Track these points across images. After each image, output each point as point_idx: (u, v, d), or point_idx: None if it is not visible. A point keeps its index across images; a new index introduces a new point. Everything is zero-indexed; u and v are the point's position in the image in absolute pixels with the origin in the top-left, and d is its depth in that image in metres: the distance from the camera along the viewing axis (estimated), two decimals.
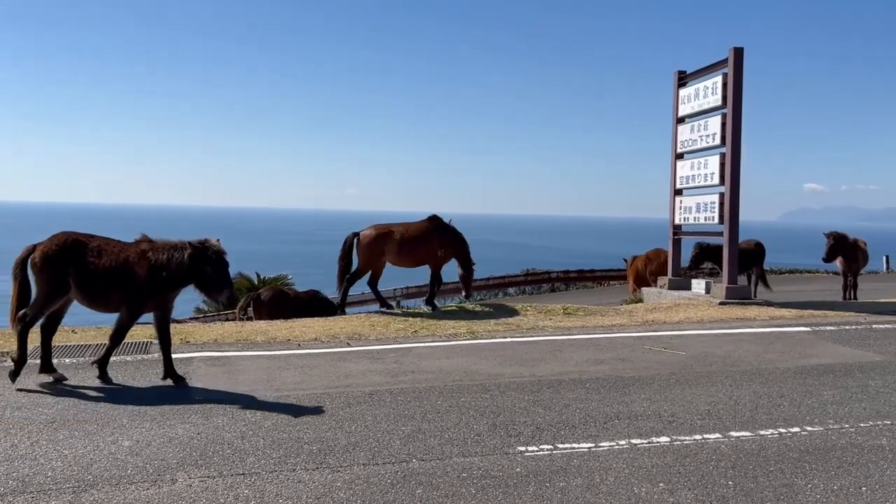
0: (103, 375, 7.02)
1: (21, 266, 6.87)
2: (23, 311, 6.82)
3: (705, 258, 15.95)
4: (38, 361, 7.12)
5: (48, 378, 7.01)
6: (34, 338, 7.15)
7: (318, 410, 6.10)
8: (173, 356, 8.10)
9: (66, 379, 7.04)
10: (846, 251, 15.66)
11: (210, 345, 8.90)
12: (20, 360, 6.86)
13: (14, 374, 6.83)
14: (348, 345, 9.01)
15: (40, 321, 6.98)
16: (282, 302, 14.37)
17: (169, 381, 7.00)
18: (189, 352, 8.40)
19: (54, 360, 7.82)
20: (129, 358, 8.07)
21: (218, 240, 6.94)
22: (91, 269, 6.75)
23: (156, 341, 8.93)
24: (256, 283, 22.83)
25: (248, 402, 6.35)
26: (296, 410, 6.09)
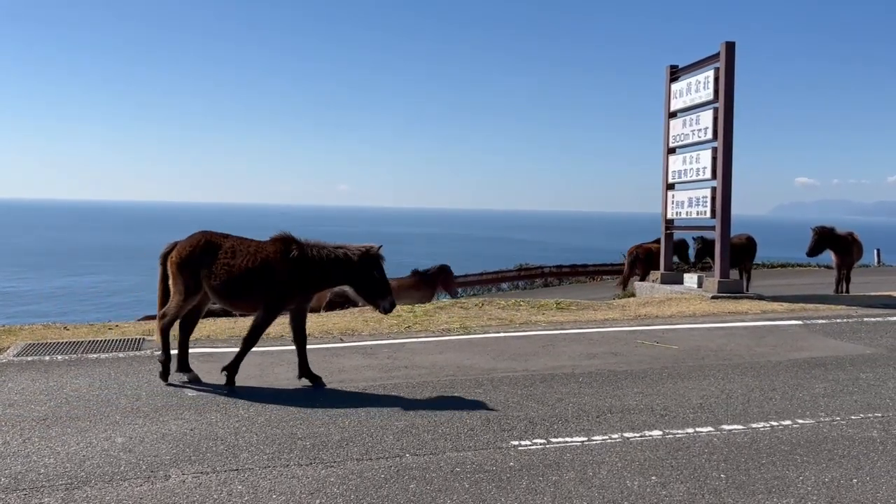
0: (230, 382, 6.76)
1: (162, 262, 6.97)
2: (162, 310, 6.89)
3: (708, 253, 15.92)
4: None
5: (184, 377, 6.94)
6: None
7: (311, 406, 6.10)
8: (171, 351, 8.10)
9: (200, 381, 6.91)
10: (835, 245, 15.68)
11: (203, 341, 8.88)
12: (166, 359, 6.86)
13: (164, 374, 6.85)
14: (341, 340, 9.01)
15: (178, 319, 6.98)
16: None
17: (302, 382, 6.88)
18: None
19: (47, 358, 7.81)
20: (121, 354, 8.04)
21: (381, 246, 6.89)
22: (227, 269, 6.69)
23: (149, 338, 8.94)
24: None
25: (241, 397, 6.35)
26: (289, 406, 6.09)
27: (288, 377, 7.09)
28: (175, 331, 7.03)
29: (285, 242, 6.84)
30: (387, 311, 6.87)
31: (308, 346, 8.50)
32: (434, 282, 14.89)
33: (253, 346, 6.96)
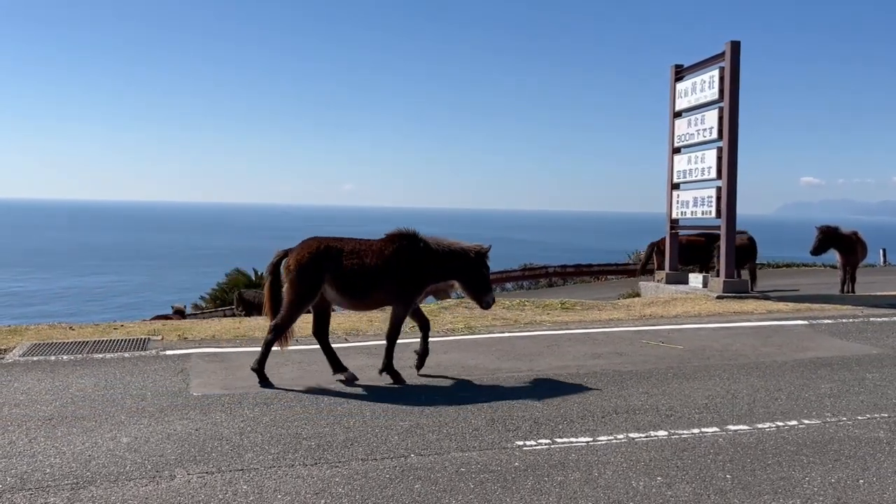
0: (396, 377, 6.97)
1: (273, 270, 7.04)
2: (274, 321, 6.90)
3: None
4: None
5: (342, 377, 7.00)
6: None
7: (316, 406, 6.10)
8: (171, 352, 8.12)
9: (356, 379, 6.99)
10: (840, 244, 15.61)
11: (208, 341, 8.90)
12: (261, 369, 6.85)
13: (264, 382, 6.80)
14: (346, 340, 9.02)
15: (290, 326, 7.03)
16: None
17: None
18: (187, 348, 8.40)
19: (52, 357, 7.84)
20: (127, 354, 8.05)
21: (490, 246, 7.26)
22: (354, 272, 6.82)
23: (154, 338, 8.96)
24: (254, 279, 22.84)
25: (245, 397, 6.36)
26: (294, 406, 6.10)
27: (293, 377, 7.10)
28: (275, 338, 6.96)
29: (409, 239, 7.08)
30: (489, 305, 7.32)
31: (313, 346, 8.52)
32: None
33: (397, 340, 7.15)
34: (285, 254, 6.99)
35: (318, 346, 8.49)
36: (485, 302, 7.26)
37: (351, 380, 6.97)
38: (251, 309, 15.45)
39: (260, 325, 10.22)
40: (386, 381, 6.94)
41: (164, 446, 5.13)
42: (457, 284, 7.37)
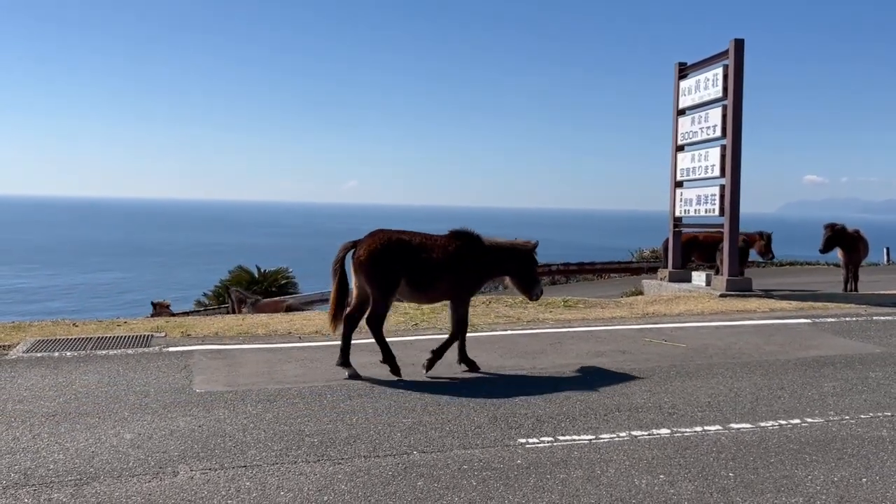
0: (472, 365, 7.35)
1: (340, 264, 7.12)
2: (369, 313, 7.00)
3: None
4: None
5: (345, 372, 7.00)
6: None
7: (318, 403, 6.11)
8: (174, 349, 8.14)
9: (360, 377, 6.99)
10: (846, 243, 15.58)
11: (211, 338, 8.91)
12: (390, 357, 7.02)
13: (395, 371, 6.98)
14: None
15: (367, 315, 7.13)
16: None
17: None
18: (190, 345, 8.41)
19: (56, 354, 7.86)
20: (130, 351, 8.06)
21: (538, 243, 7.69)
22: (425, 264, 7.03)
23: (159, 334, 8.98)
24: (257, 276, 22.84)
25: (249, 394, 6.36)
26: (297, 403, 6.11)
27: (296, 374, 7.10)
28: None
29: (471, 237, 7.38)
30: (538, 297, 7.76)
31: (316, 344, 8.55)
32: None
33: (466, 331, 7.49)
34: (352, 246, 7.08)
35: (321, 344, 8.54)
36: (534, 294, 7.65)
37: (354, 377, 6.97)
38: (240, 306, 15.52)
39: (264, 322, 10.24)
40: (388, 378, 6.94)
41: (168, 443, 5.14)
42: (507, 280, 7.81)
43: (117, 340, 8.63)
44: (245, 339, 8.86)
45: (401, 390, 6.53)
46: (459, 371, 7.27)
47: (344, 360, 7.03)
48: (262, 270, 23.34)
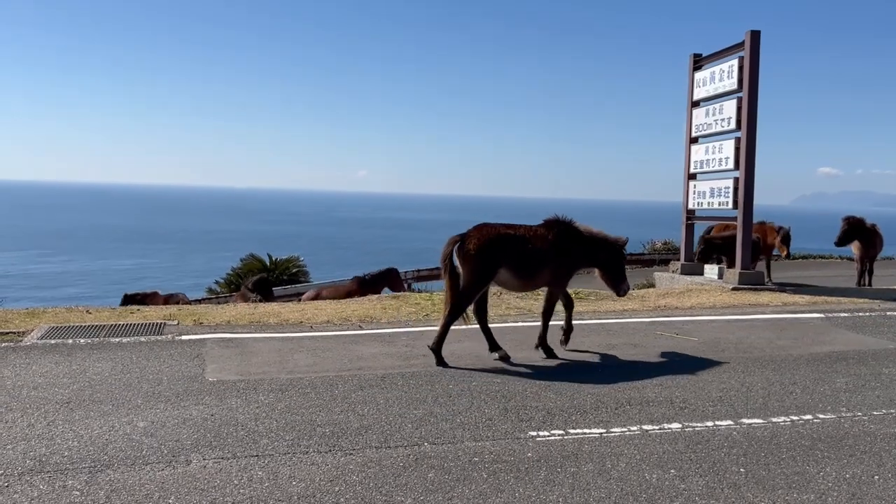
0: (549, 352, 7.66)
1: (450, 259, 7.35)
2: (452, 304, 7.26)
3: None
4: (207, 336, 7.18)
5: (496, 355, 7.44)
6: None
7: (330, 393, 6.14)
8: (187, 337, 8.20)
9: (509, 358, 7.42)
10: (863, 236, 15.44)
11: (223, 326, 8.96)
12: (439, 348, 7.23)
13: (440, 362, 7.15)
14: (360, 328, 9.04)
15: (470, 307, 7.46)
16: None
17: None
18: (202, 333, 8.46)
19: (70, 341, 7.92)
20: (143, 339, 8.12)
21: (627, 239, 8.12)
22: (529, 254, 7.41)
23: (171, 322, 9.04)
24: (268, 264, 22.92)
25: (261, 384, 6.40)
26: (308, 393, 6.13)
27: (307, 364, 7.13)
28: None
29: (567, 226, 7.78)
30: (625, 293, 8.19)
31: (327, 333, 8.59)
32: (378, 285, 15.14)
33: (551, 317, 7.84)
34: (460, 239, 7.30)
35: (332, 334, 8.59)
36: (622, 290, 8.06)
37: (505, 358, 7.38)
38: (266, 295, 15.52)
39: (275, 311, 10.28)
40: (399, 370, 6.97)
41: (181, 431, 5.18)
42: (597, 271, 8.13)
43: (130, 328, 8.69)
44: (257, 328, 8.90)
45: (412, 381, 6.54)
46: (470, 363, 7.27)
47: (492, 346, 7.49)
48: (274, 259, 23.42)
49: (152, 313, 10.06)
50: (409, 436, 5.14)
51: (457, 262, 7.33)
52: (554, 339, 7.87)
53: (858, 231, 15.31)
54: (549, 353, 7.63)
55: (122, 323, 9.06)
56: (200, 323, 9.15)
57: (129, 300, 14.94)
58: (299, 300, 13.93)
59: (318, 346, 7.92)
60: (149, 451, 4.78)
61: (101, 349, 7.61)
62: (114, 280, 48.58)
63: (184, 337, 8.23)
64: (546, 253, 7.48)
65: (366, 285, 15.04)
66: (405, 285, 14.90)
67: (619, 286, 8.00)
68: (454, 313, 7.28)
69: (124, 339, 8.07)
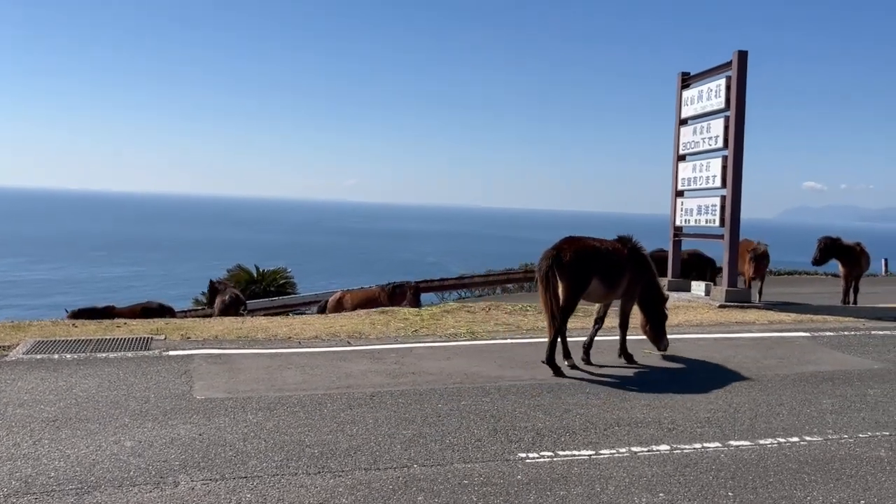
0: (630, 358, 8.38)
1: (548, 272, 7.80)
2: (560, 316, 7.77)
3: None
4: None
5: (564, 362, 7.90)
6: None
7: (319, 412, 6.12)
8: (174, 353, 8.16)
9: (577, 367, 7.93)
10: (843, 255, 15.60)
11: (211, 341, 8.91)
12: (566, 355, 7.97)
13: (558, 372, 7.65)
14: (349, 343, 9.03)
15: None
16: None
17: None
18: (190, 348, 8.41)
19: (55, 356, 7.87)
20: (130, 354, 8.07)
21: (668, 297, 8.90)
22: (614, 268, 8.13)
23: (157, 337, 8.99)
24: (256, 276, 22.85)
25: (249, 402, 6.37)
26: (297, 412, 6.11)
27: (296, 381, 7.10)
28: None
29: (634, 243, 8.58)
30: (665, 317, 8.88)
31: (315, 349, 8.58)
32: (399, 297, 15.03)
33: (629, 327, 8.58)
34: (555, 253, 7.83)
35: (320, 350, 8.59)
36: (662, 312, 8.79)
37: (573, 367, 7.88)
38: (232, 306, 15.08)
39: (263, 325, 10.25)
40: (388, 388, 6.95)
41: (168, 451, 5.15)
42: (639, 289, 8.59)
43: (117, 343, 8.64)
44: (245, 344, 8.86)
45: (401, 400, 6.54)
46: (459, 381, 7.26)
47: (565, 354, 7.97)
48: (261, 270, 23.35)
49: (139, 327, 10.01)
50: (398, 457, 5.14)
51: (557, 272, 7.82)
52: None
53: (836, 251, 15.45)
54: (630, 360, 8.35)
55: (108, 337, 9.00)
56: (188, 338, 9.11)
57: (78, 317, 13.24)
58: (290, 314, 13.90)
59: (306, 362, 7.90)
60: (136, 472, 4.75)
61: (88, 365, 7.55)
62: (102, 289, 48.23)
63: (171, 352, 8.18)
64: (624, 267, 8.23)
65: (392, 296, 14.84)
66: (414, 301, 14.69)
67: (659, 305, 8.77)
68: (563, 322, 7.83)
69: (111, 355, 8.02)
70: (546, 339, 7.89)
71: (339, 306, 14.64)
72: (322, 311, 15.15)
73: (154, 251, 79.98)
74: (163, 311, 14.19)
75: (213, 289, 16.31)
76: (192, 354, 8.11)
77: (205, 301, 22.65)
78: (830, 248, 15.40)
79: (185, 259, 71.01)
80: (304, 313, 17.69)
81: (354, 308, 13.95)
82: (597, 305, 8.72)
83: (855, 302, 15.69)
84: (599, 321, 8.63)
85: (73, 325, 9.99)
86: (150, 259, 71.40)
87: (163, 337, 9.08)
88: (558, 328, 7.77)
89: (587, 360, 8.15)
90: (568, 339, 8.10)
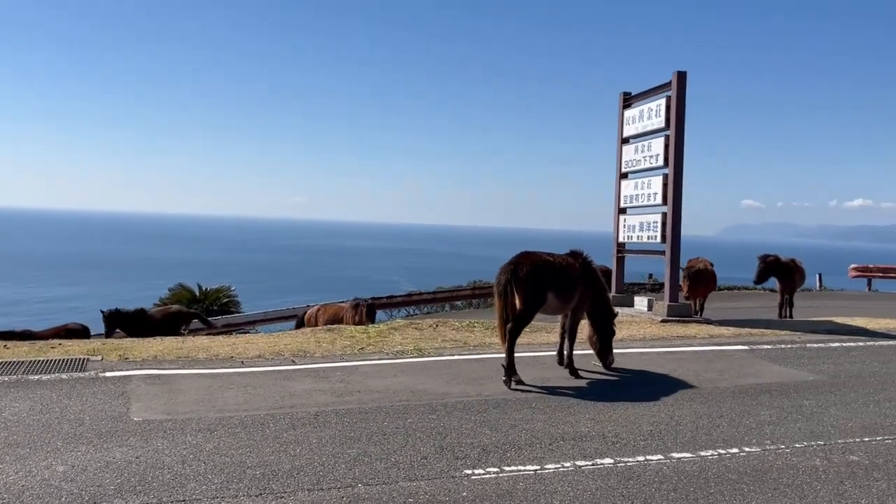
0: (575, 372, 8.45)
1: (506, 286, 7.97)
2: (513, 325, 7.93)
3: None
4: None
5: (511, 382, 7.82)
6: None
7: (261, 433, 5.99)
8: (111, 374, 7.93)
9: (523, 382, 7.89)
10: (779, 272, 16.06)
11: (150, 362, 8.67)
12: (511, 365, 7.87)
13: (509, 381, 7.78)
14: (293, 362, 8.89)
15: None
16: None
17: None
18: (128, 369, 8.17)
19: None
20: (64, 376, 7.79)
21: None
22: (569, 282, 8.29)
23: (94, 358, 8.71)
24: (198, 294, 22.38)
25: (189, 423, 6.20)
26: (238, 433, 5.98)
27: (238, 402, 6.95)
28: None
29: (585, 257, 8.79)
30: (614, 332, 8.99)
31: (258, 369, 8.42)
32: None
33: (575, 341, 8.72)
34: (513, 267, 7.99)
35: (263, 369, 8.44)
36: (613, 324, 8.96)
37: (519, 383, 7.82)
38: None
39: (205, 345, 10.02)
40: (333, 406, 6.86)
41: (103, 475, 4.97)
42: (588, 304, 8.75)
43: (51, 364, 8.34)
44: (185, 364, 8.65)
45: (346, 419, 6.45)
46: (405, 399, 7.21)
47: (510, 370, 7.84)
48: (204, 289, 22.88)
49: (75, 348, 9.68)
50: (342, 477, 5.06)
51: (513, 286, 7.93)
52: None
53: (775, 268, 15.89)
54: (576, 374, 8.42)
55: (41, 359, 8.68)
56: (126, 358, 8.84)
57: None
58: (233, 333, 13.64)
59: (248, 382, 7.74)
60: (68, 498, 4.58)
61: (19, 387, 7.27)
62: (37, 311, 46.55)
63: (108, 374, 7.93)
64: (577, 280, 8.41)
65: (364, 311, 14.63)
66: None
67: (611, 319, 8.91)
68: (516, 333, 7.96)
69: (44, 377, 7.73)
70: (497, 355, 7.92)
71: (314, 321, 14.67)
72: (300, 324, 15.09)
73: (94, 270, 77.74)
74: (87, 333, 13.75)
75: (112, 320, 14.39)
76: (129, 375, 7.88)
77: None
78: (771, 266, 15.82)
79: (126, 278, 69.16)
80: (248, 332, 17.37)
81: (326, 323, 13.95)
82: (560, 319, 8.97)
83: (791, 315, 16.16)
84: (564, 332, 8.86)
85: (5, 346, 9.61)
86: (89, 278, 69.32)
87: (99, 358, 8.80)
88: (510, 340, 7.88)
89: (575, 374, 8.41)
90: (522, 353, 8.18)
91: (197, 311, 17.20)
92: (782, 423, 6.73)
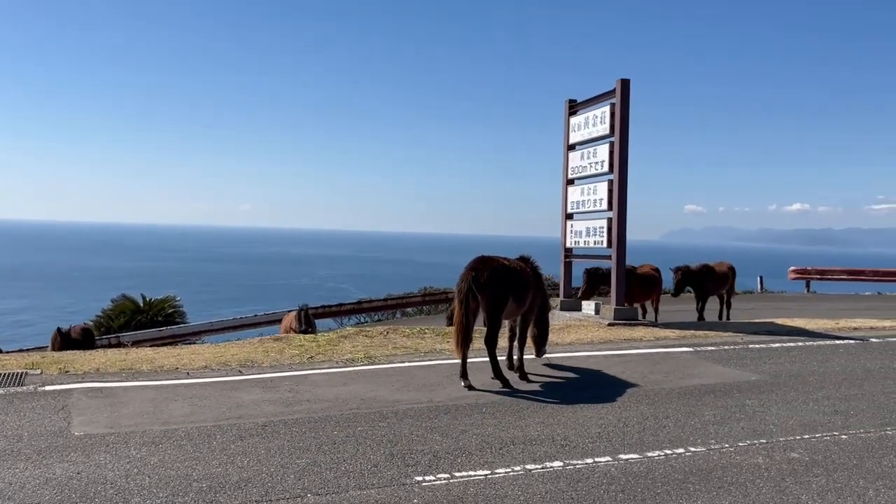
0: (525, 376, 8.63)
1: (468, 293, 8.01)
2: (488, 333, 8.13)
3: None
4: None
5: (462, 383, 8.06)
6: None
7: (208, 445, 5.88)
8: (51, 388, 7.70)
9: (473, 388, 8.00)
10: (691, 281, 16.18)
11: (92, 375, 8.44)
12: (465, 373, 8.16)
13: (506, 384, 8.15)
14: (240, 373, 8.75)
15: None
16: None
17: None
18: (69, 383, 7.93)
19: None
20: (1, 391, 7.52)
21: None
22: (523, 285, 8.43)
23: (32, 371, 8.45)
24: (142, 305, 21.85)
25: (132, 436, 6.05)
26: (184, 445, 5.86)
27: (183, 413, 6.81)
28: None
29: (533, 262, 9.07)
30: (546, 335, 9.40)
31: (205, 380, 8.27)
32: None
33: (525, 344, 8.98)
34: (473, 273, 8.06)
35: (210, 380, 8.29)
36: (542, 351, 9.42)
37: (470, 388, 7.96)
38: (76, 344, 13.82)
39: (149, 356, 9.80)
40: (282, 416, 6.77)
41: (42, 492, 4.81)
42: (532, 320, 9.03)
43: None
44: (128, 376, 8.44)
45: (295, 429, 6.38)
46: (356, 407, 7.16)
47: (463, 374, 8.11)
48: (148, 299, 22.34)
49: (12, 362, 9.36)
50: (291, 487, 5.00)
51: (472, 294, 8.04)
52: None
53: (687, 278, 16.10)
54: (525, 378, 8.58)
55: None
56: (66, 371, 8.58)
57: None
58: (176, 344, 13.32)
59: (194, 393, 7.59)
60: None
61: None
62: None
63: (48, 388, 7.69)
64: (530, 283, 8.60)
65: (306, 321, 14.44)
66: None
67: (547, 321, 9.33)
68: (493, 338, 8.12)
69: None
70: (448, 361, 7.92)
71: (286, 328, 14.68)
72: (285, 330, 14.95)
73: (33, 281, 75.25)
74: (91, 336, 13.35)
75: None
76: (70, 389, 7.65)
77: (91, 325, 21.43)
78: (685, 277, 16.05)
79: (69, 289, 67.18)
80: (194, 343, 17.03)
81: (287, 331, 13.88)
82: (508, 322, 9.04)
83: (728, 317, 16.57)
84: (514, 335, 9.05)
85: None
86: (28, 290, 67.10)
87: (39, 371, 8.53)
88: (490, 348, 8.16)
89: (525, 378, 8.58)
90: (473, 359, 8.21)
91: None
92: (726, 422, 6.89)
